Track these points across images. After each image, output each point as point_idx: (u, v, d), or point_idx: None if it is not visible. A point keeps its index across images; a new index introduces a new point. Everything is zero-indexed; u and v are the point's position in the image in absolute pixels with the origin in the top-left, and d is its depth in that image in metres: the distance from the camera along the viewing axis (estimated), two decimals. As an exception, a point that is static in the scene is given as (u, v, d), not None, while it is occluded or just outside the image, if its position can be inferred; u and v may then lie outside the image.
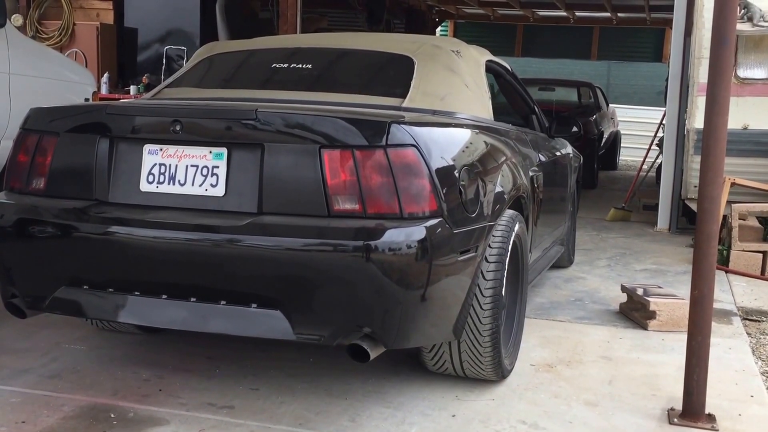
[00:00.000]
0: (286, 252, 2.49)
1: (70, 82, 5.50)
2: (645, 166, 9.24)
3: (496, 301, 2.98)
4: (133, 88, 8.26)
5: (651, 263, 6.00)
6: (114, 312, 2.71)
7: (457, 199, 2.73)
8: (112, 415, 2.79)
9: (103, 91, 7.99)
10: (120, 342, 3.56)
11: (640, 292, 4.31)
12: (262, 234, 2.51)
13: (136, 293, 2.68)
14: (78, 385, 3.07)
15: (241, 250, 2.51)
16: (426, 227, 2.54)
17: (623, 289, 4.49)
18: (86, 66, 7.85)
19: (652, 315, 4.12)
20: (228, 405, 2.90)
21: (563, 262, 5.60)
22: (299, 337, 2.54)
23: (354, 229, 2.49)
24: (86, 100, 5.51)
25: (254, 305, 2.56)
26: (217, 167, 2.64)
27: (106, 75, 8.41)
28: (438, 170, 2.65)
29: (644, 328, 4.13)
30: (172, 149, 2.70)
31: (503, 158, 3.32)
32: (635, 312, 4.30)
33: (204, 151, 2.66)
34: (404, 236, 2.49)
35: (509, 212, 3.25)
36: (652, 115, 14.06)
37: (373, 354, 2.56)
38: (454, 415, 2.89)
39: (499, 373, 3.14)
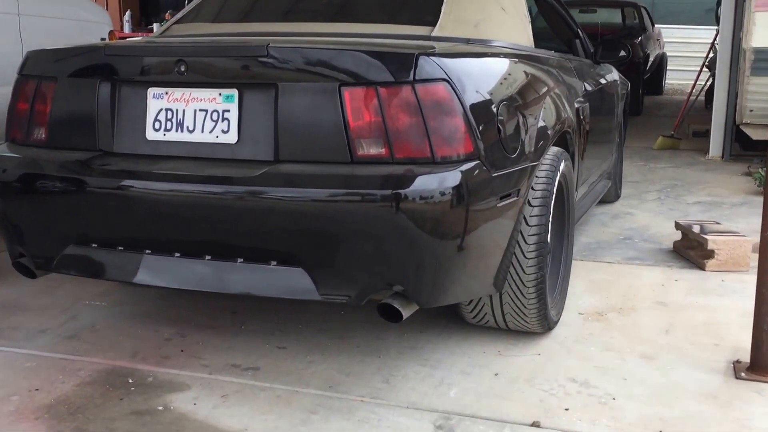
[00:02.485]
0: (306, 204, 2.24)
1: (85, 21, 5.23)
2: (694, 90, 8.75)
3: (540, 248, 2.71)
4: (156, 26, 7.98)
5: (704, 195, 5.64)
6: (125, 272, 2.50)
7: (496, 138, 2.44)
8: (130, 380, 2.61)
9: (126, 29, 7.73)
10: (143, 297, 3.38)
11: (696, 229, 3.99)
12: (279, 185, 2.26)
13: (147, 252, 2.47)
14: (96, 346, 2.89)
15: (257, 202, 2.27)
16: (461, 171, 2.26)
17: (677, 226, 4.18)
18: (107, 5, 7.56)
19: (710, 254, 3.82)
20: (253, 366, 2.71)
21: (610, 196, 5.28)
22: (325, 297, 2.31)
23: (380, 177, 2.22)
24: (102, 40, 5.25)
25: (273, 263, 2.33)
26: (228, 111, 2.38)
27: (128, 13, 8.14)
28: (473, 107, 2.36)
29: (701, 268, 3.83)
30: (178, 92, 2.44)
31: (546, 90, 3.00)
32: (691, 251, 4.00)
33: (213, 93, 2.40)
34: (437, 183, 2.22)
35: (554, 149, 2.95)
36: (700, 34, 13.38)
37: (406, 313, 2.32)
38: (496, 374, 2.66)
39: (545, 325, 2.89)
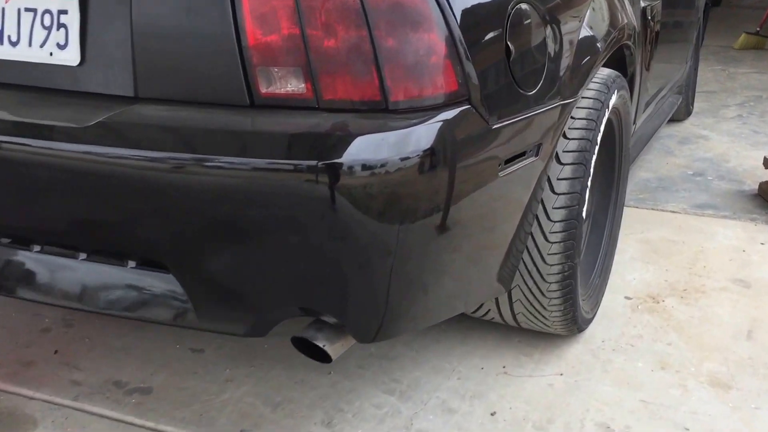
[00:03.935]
0: (169, 176, 1.36)
1: None
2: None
3: (571, 227, 1.81)
4: None
5: (798, 113, 4.56)
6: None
7: (501, 64, 1.49)
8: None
9: None
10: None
11: (793, 172, 3.00)
12: (124, 143, 1.38)
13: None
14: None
15: (97, 167, 1.40)
16: (436, 125, 1.35)
17: (767, 162, 3.18)
18: None
19: (811, 209, 2.85)
20: (142, 385, 1.92)
21: (679, 114, 4.25)
22: (205, 323, 1.46)
23: (295, 135, 1.33)
24: None
25: (131, 263, 1.48)
26: (65, 13, 1.47)
27: None
28: (464, 13, 1.41)
29: (798, 227, 2.87)
30: (0, -20, 1.54)
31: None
32: (784, 201, 3.02)
33: (48, -16, 1.49)
34: (391, 146, 1.32)
35: (603, 74, 1.98)
36: None
37: (335, 353, 1.47)
38: (493, 413, 1.81)
39: (573, 328, 2.02)
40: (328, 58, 1.34)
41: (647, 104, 2.77)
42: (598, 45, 1.86)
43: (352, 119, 1.34)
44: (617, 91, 2.01)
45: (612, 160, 2.28)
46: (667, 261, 2.60)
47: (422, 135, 1.34)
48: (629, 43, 2.11)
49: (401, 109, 1.35)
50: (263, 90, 1.36)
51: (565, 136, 1.81)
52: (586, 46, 1.80)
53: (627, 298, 2.35)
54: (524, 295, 1.90)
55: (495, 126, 1.47)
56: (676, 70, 3.51)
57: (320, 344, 1.43)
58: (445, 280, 1.54)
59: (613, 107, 2.03)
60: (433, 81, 1.37)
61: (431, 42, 1.37)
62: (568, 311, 1.93)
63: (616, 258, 2.57)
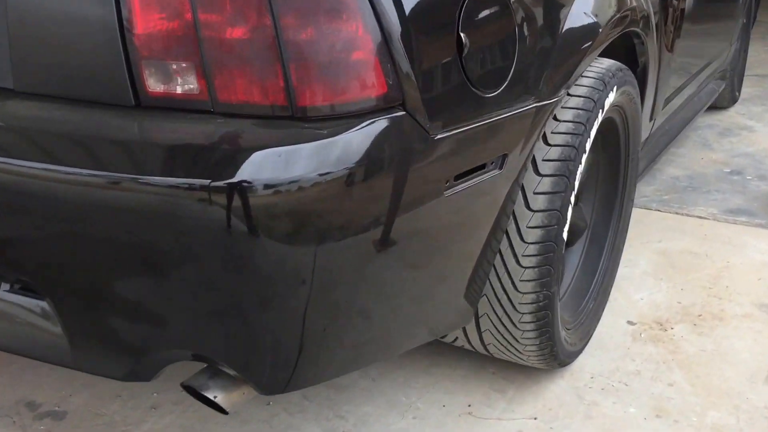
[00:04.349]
0: (45, 185, 1.12)
1: None
2: None
3: (547, 250, 1.52)
4: None
5: None
6: None
7: (452, 63, 1.20)
8: None
9: None
10: None
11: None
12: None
13: None
14: None
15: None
16: (355, 138, 1.08)
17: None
18: None
19: None
20: (57, 408, 1.70)
21: (722, 100, 3.87)
22: (79, 361, 1.23)
23: (184, 145, 1.08)
24: None
25: (4, 286, 1.25)
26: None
27: None
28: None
29: (842, 243, 2.52)
30: None
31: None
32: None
33: None
34: (288, 164, 1.05)
35: (600, 66, 1.67)
36: None
37: (232, 403, 1.22)
38: (445, 468, 1.55)
39: (552, 363, 1.74)
40: (224, 51, 1.08)
41: (668, 100, 2.42)
42: (591, 33, 1.54)
43: (249, 128, 1.08)
44: (618, 88, 1.69)
45: (615, 166, 1.97)
46: (685, 278, 2.29)
47: (332, 150, 1.07)
48: (637, 29, 1.79)
49: (311, 116, 1.08)
50: (151, 88, 1.11)
51: (546, 142, 1.52)
52: (574, 35, 1.49)
53: (629, 323, 2.05)
54: (494, 325, 1.62)
55: (439, 136, 1.19)
56: (716, 54, 3.14)
57: (211, 395, 1.18)
58: (377, 315, 1.27)
59: (613, 105, 1.73)
60: (354, 83, 1.09)
61: (352, 35, 1.09)
62: (544, 345, 1.65)
63: (624, 272, 2.27)
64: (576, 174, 1.54)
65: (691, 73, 2.76)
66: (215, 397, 1.18)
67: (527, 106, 1.37)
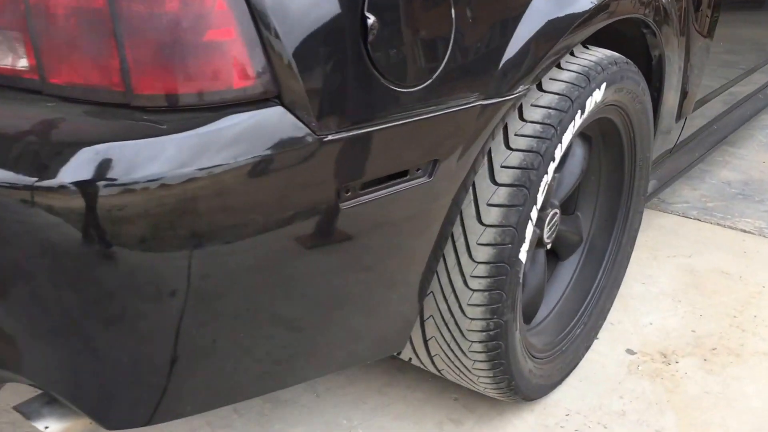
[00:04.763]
0: None
1: None
2: None
3: (499, 273, 1.30)
4: None
5: None
6: None
7: (352, 49, 0.99)
8: None
9: None
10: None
11: None
12: None
13: None
14: None
15: None
16: (200, 136, 0.90)
17: None
18: None
19: None
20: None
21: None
22: None
23: (7, 135, 0.92)
24: None
25: None
26: None
27: None
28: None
29: None
30: None
31: None
32: None
33: None
34: (120, 164, 0.87)
35: (588, 59, 1.42)
36: None
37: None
38: None
39: (513, 397, 1.51)
40: (51, 21, 0.91)
41: (703, 101, 2.13)
42: (565, 20, 1.29)
43: (80, 116, 0.92)
44: (610, 84, 1.44)
45: (618, 173, 1.71)
46: (708, 302, 2.01)
47: (167, 150, 0.88)
48: (640, 16, 1.51)
49: (151, 107, 0.90)
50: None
51: (507, 145, 1.29)
52: (539, 18, 1.24)
53: (629, 351, 1.80)
54: (443, 350, 1.41)
55: (331, 137, 0.99)
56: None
57: (41, 426, 1.03)
58: (263, 344, 1.09)
59: (606, 105, 1.48)
60: (207, 68, 0.90)
61: (207, 9, 0.90)
62: (499, 379, 1.43)
63: (638, 290, 2.01)
64: (539, 185, 1.31)
65: (744, 65, 2.43)
66: (46, 428, 1.02)
67: (468, 103, 1.15)
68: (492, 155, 1.29)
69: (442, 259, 1.31)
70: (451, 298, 1.33)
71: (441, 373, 1.50)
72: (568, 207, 1.77)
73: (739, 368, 1.75)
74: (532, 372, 1.51)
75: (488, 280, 1.30)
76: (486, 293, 1.31)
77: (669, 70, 1.73)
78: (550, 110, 1.32)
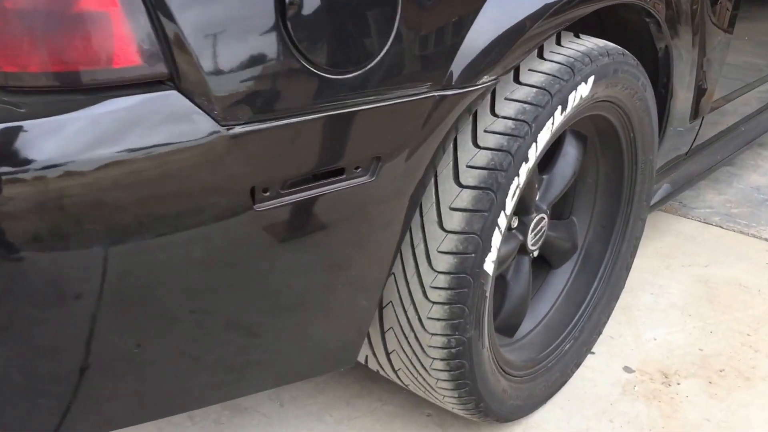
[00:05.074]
0: None
1: None
2: None
3: (461, 284, 1.17)
4: None
5: None
6: None
7: (266, 20, 0.87)
8: None
9: None
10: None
11: None
12: None
13: None
14: None
15: None
16: (61, 122, 0.80)
17: None
18: None
19: None
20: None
21: None
22: None
23: None
24: None
25: None
26: None
27: None
28: None
29: None
30: None
31: None
32: None
33: None
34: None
35: (579, 48, 1.28)
36: None
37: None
38: None
39: (483, 418, 1.39)
40: None
41: (727, 100, 1.96)
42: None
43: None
44: (599, 79, 1.30)
45: (617, 176, 1.56)
46: (720, 317, 1.85)
47: (27, 138, 0.78)
48: (642, 2, 1.36)
49: (13, 86, 0.80)
50: None
51: (475, 143, 1.16)
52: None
53: (627, 369, 1.65)
54: (406, 366, 1.30)
55: (240, 129, 0.87)
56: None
57: None
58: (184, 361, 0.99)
59: (599, 101, 1.34)
60: (78, 43, 0.80)
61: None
62: (465, 400, 1.30)
63: (646, 302, 1.87)
64: (508, 189, 1.18)
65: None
66: None
67: (418, 94, 1.02)
68: (458, 153, 1.16)
69: (401, 266, 1.19)
70: (411, 310, 1.21)
71: (408, 388, 1.38)
72: (563, 211, 1.63)
73: (747, 393, 1.59)
74: (507, 392, 1.38)
75: (449, 292, 1.17)
76: (446, 307, 1.18)
77: (678, 65, 1.58)
78: (525, 105, 1.18)
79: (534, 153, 1.20)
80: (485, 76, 1.09)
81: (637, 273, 2.01)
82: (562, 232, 1.59)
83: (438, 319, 1.19)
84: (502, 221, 1.19)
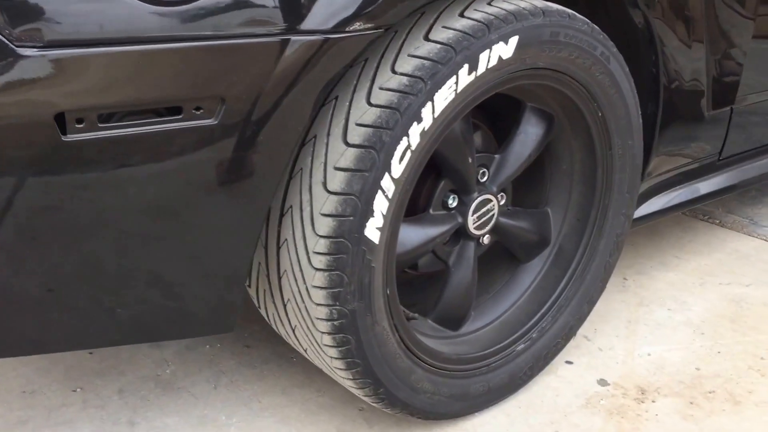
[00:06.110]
0: None
1: None
2: None
3: (339, 250, 1.09)
4: None
5: None
6: None
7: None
8: None
9: None
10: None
11: None
12: None
13: None
14: None
15: None
16: None
17: None
18: None
19: None
20: None
21: None
22: None
23: None
24: None
25: None
26: None
27: None
28: None
29: None
30: None
31: None
32: None
33: None
34: None
35: (508, 5, 1.17)
36: None
37: None
38: None
39: (389, 407, 1.27)
40: None
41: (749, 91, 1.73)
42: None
43: None
44: (532, 41, 1.17)
45: (591, 163, 1.41)
46: (738, 339, 1.62)
47: None
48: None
49: None
50: None
51: (368, 102, 1.08)
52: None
53: (601, 382, 1.48)
54: (309, 345, 1.22)
55: (39, 52, 0.85)
56: None
57: None
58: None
59: (546, 67, 1.22)
60: None
61: None
62: (361, 383, 1.20)
63: (661, 316, 1.70)
64: (394, 150, 1.08)
65: None
66: None
67: (268, 36, 0.96)
68: (350, 111, 1.08)
69: (291, 231, 1.12)
70: (300, 279, 1.13)
71: (306, 353, 1.29)
72: (538, 200, 1.49)
73: (730, 419, 1.37)
74: (423, 384, 1.26)
75: (327, 257, 1.09)
76: (326, 273, 1.10)
77: (667, 43, 1.41)
78: (425, 61, 1.09)
79: (429, 113, 1.10)
80: (357, 23, 1.01)
81: (663, 286, 1.82)
82: (528, 222, 1.45)
83: (320, 287, 1.11)
84: (388, 185, 1.09)
